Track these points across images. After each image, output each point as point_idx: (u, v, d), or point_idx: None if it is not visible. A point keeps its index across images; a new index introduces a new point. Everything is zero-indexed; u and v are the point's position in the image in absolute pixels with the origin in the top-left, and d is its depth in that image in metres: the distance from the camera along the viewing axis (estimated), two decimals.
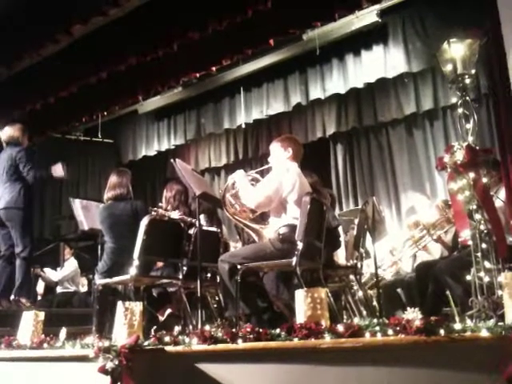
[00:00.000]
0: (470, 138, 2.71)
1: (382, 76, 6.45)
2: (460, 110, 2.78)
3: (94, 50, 6.10)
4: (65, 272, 7.05)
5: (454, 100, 2.87)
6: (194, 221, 4.17)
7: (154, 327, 3.43)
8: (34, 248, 5.02)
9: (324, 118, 7.47)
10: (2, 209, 4.86)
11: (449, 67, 2.90)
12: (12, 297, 4.72)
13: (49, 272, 6.94)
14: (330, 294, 3.52)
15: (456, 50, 2.85)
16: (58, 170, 4.96)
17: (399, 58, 6.31)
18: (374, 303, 4.80)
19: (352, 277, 4.24)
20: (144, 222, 3.66)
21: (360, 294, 4.42)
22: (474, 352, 2.16)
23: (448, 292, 3.96)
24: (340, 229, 4.28)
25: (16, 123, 5.26)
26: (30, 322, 3.59)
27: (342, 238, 4.39)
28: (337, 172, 7.62)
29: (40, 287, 7.13)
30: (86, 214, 4.73)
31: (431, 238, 4.64)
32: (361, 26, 6.30)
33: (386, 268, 5.08)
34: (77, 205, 4.82)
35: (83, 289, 7.17)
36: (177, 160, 3.60)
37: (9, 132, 5.13)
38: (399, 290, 4.97)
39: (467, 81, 2.81)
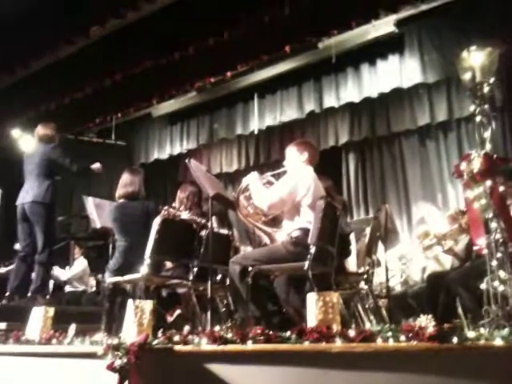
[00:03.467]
0: (488, 146, 2.69)
1: (397, 86, 6.44)
2: (478, 118, 2.76)
3: (111, 52, 6.15)
4: (73, 271, 7.06)
5: (471, 108, 2.84)
6: (203, 222, 4.16)
7: (162, 329, 3.41)
8: (53, 250, 5.07)
9: (337, 127, 7.47)
10: (28, 202, 4.95)
11: (468, 75, 2.88)
12: (29, 294, 4.79)
13: (57, 271, 6.94)
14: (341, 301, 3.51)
15: (475, 59, 2.83)
16: (97, 167, 5.32)
17: (415, 69, 6.31)
18: (384, 313, 4.76)
19: (362, 284, 4.21)
20: (157, 221, 3.67)
21: (370, 301, 4.38)
22: (487, 361, 2.14)
23: (458, 303, 3.94)
24: (352, 236, 4.26)
25: (48, 122, 5.43)
26: (39, 317, 3.60)
27: (353, 246, 4.36)
28: (348, 181, 7.60)
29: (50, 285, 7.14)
30: (99, 212, 4.77)
31: (442, 248, 4.59)
32: (377, 36, 6.31)
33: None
34: (90, 203, 4.87)
35: (91, 289, 7.17)
36: (191, 160, 3.61)
37: (42, 131, 5.31)
38: (410, 300, 4.94)
39: (486, 89, 2.79)
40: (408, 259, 5.21)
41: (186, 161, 3.66)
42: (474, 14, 5.59)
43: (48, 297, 4.80)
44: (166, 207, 4.22)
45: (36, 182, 5.02)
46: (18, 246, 5.38)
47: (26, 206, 4.96)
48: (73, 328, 3.36)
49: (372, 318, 4.20)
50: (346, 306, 4.16)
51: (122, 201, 4.28)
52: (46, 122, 5.41)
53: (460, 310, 3.91)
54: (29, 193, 4.99)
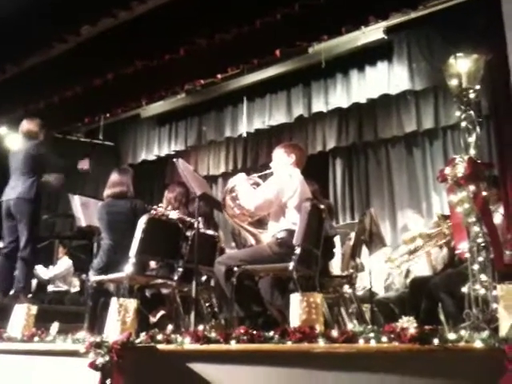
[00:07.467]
0: (472, 152, 2.73)
1: (385, 92, 6.49)
2: (463, 124, 2.80)
3: (101, 51, 6.12)
4: (56, 270, 7.01)
5: (457, 114, 2.88)
6: (192, 220, 4.14)
7: (144, 332, 3.38)
8: (36, 247, 5.02)
9: (325, 132, 7.50)
10: (13, 199, 4.90)
11: (454, 81, 2.92)
12: (12, 292, 4.74)
13: (40, 269, 6.89)
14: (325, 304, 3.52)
15: (462, 65, 2.88)
16: (84, 164, 5.25)
17: (403, 76, 6.36)
18: (367, 318, 4.77)
19: (346, 288, 4.23)
20: (142, 221, 3.65)
21: (353, 306, 4.40)
22: (466, 362, 2.17)
23: (440, 308, 3.96)
24: (337, 239, 4.28)
25: (34, 118, 5.34)
26: (21, 315, 3.57)
27: (337, 249, 4.38)
28: (334, 187, 7.63)
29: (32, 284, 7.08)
30: (85, 210, 4.74)
31: (423, 250, 4.59)
32: (366, 42, 6.35)
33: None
34: (76, 201, 4.84)
35: (74, 289, 7.12)
36: (179, 160, 3.61)
37: (26, 126, 5.22)
38: (392, 306, 4.96)
39: (472, 95, 2.84)
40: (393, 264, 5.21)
41: (174, 160, 3.66)
42: (462, 23, 5.64)
43: (30, 295, 4.75)
44: (154, 207, 4.20)
45: (21, 178, 4.97)
46: (0, 244, 5.33)
47: (11, 202, 4.92)
48: (55, 326, 3.35)
49: (355, 322, 4.20)
50: (329, 311, 4.17)
51: (109, 199, 4.25)
52: (31, 118, 5.32)
53: (442, 316, 3.93)
54: (14, 189, 4.94)
